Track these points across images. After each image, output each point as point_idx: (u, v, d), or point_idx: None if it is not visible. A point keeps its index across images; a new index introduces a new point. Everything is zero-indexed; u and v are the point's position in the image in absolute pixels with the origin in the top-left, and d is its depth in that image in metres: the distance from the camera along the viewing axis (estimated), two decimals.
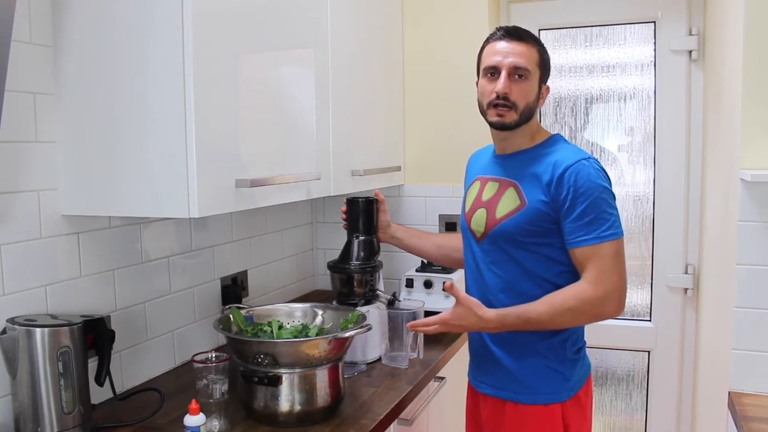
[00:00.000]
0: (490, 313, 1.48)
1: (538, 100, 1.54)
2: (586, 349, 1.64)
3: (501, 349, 1.58)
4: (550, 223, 1.48)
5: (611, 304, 1.45)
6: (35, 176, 1.41)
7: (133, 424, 1.45)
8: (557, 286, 1.49)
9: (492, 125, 1.55)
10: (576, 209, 1.44)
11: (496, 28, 1.55)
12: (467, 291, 1.66)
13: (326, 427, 1.45)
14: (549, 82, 1.58)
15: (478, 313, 1.48)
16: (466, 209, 1.65)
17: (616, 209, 1.48)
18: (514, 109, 1.49)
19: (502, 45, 1.50)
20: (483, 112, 1.56)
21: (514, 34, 1.51)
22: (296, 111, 1.75)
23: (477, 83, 1.58)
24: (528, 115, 1.52)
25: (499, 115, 1.51)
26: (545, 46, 1.57)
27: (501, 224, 1.52)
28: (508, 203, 1.53)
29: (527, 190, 1.50)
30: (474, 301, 1.50)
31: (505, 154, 1.60)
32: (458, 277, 2.14)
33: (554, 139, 1.57)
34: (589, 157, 1.48)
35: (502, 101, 1.49)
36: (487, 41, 1.56)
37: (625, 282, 1.47)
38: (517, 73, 1.48)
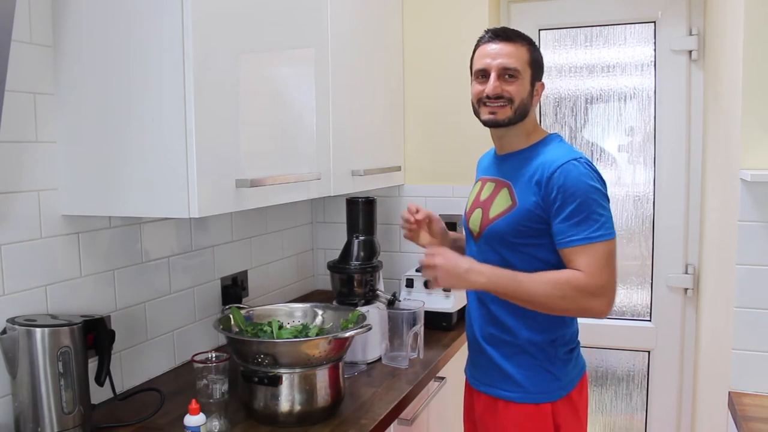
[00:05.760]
0: (483, 266, 1.49)
1: (532, 97, 1.54)
2: (583, 349, 1.64)
3: (494, 348, 1.58)
4: (541, 224, 1.47)
5: (600, 301, 1.43)
6: (35, 176, 1.41)
7: (133, 424, 1.45)
8: None
9: (485, 123, 1.56)
10: (565, 209, 1.43)
11: (485, 30, 1.57)
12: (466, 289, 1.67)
13: (326, 427, 1.45)
14: (545, 80, 1.59)
15: (467, 259, 1.50)
16: (467, 209, 1.67)
17: (608, 210, 1.46)
18: (509, 105, 1.50)
19: (491, 47, 1.51)
20: (476, 113, 1.57)
21: (502, 35, 1.52)
22: (296, 111, 1.75)
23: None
24: (522, 112, 1.52)
25: (492, 113, 1.51)
26: (536, 44, 1.57)
27: (493, 224, 1.53)
28: (501, 203, 1.53)
29: (519, 190, 1.51)
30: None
31: (503, 154, 1.60)
32: None
33: (549, 139, 1.57)
34: (579, 157, 1.47)
35: (494, 99, 1.50)
36: (477, 44, 1.57)
37: (616, 284, 1.45)
38: (506, 73, 1.50)
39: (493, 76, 1.49)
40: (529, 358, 1.54)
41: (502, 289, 1.46)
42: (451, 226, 2.42)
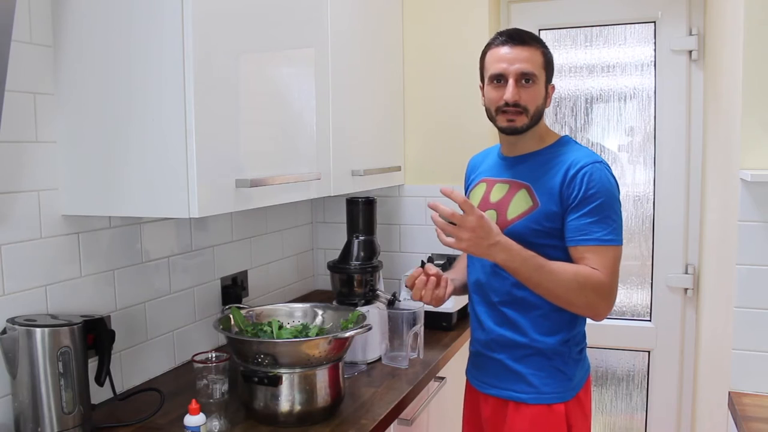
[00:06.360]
0: (510, 243, 1.40)
1: (546, 101, 1.54)
2: (586, 349, 1.64)
3: (504, 350, 1.57)
4: (561, 224, 1.47)
5: (606, 303, 1.45)
6: (35, 176, 1.41)
7: (133, 424, 1.45)
8: None
9: (503, 131, 1.55)
10: (584, 208, 1.44)
11: (498, 33, 1.54)
12: (470, 291, 1.66)
13: (326, 427, 1.45)
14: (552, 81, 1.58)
15: (496, 231, 1.40)
16: None
17: (621, 218, 1.47)
18: (525, 113, 1.49)
19: (506, 51, 1.49)
20: (492, 118, 1.55)
21: (517, 38, 1.50)
22: (296, 111, 1.75)
23: (481, 88, 1.57)
24: (538, 117, 1.53)
25: (510, 121, 1.50)
26: (547, 44, 1.56)
27: (513, 225, 1.51)
28: (520, 204, 1.52)
29: (540, 191, 1.50)
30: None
31: (514, 156, 1.59)
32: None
33: (564, 141, 1.57)
34: (602, 161, 1.49)
35: (512, 107, 1.48)
36: (488, 46, 1.54)
37: (617, 290, 1.47)
38: (524, 78, 1.48)
39: (511, 82, 1.48)
40: (543, 359, 1.53)
41: (521, 268, 1.42)
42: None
